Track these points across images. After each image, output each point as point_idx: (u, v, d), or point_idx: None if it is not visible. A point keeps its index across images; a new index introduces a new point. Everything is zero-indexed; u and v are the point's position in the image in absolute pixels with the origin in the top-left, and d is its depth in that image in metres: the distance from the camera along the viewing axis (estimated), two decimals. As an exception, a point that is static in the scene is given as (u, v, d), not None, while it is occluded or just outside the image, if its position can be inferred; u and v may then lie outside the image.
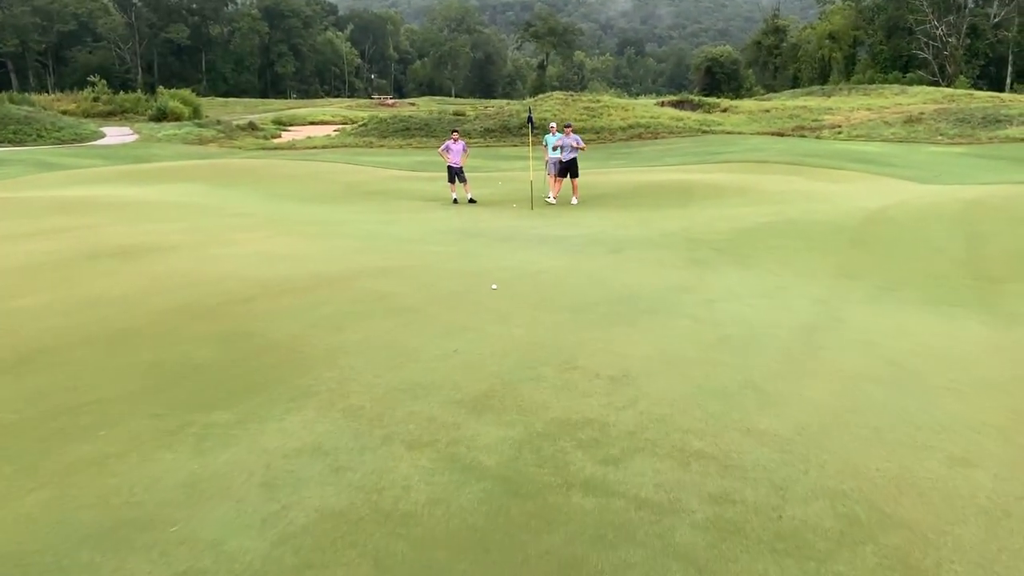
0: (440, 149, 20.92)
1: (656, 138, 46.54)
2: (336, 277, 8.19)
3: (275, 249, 10.16)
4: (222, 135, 54.97)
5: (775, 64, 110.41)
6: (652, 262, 10.05)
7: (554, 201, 19.44)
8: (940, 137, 44.17)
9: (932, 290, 8.12)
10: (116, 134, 57.21)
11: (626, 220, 15.63)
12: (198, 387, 4.84)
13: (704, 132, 48.37)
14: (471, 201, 20.03)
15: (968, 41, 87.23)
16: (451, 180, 20.35)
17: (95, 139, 54.81)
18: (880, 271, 9.13)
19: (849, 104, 60.59)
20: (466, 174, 20.62)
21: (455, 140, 20.56)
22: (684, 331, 6.31)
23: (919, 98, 61.39)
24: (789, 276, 8.96)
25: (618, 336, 6.12)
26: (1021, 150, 37.19)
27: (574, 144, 19.35)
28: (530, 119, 19.60)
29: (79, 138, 52.91)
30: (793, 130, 49.16)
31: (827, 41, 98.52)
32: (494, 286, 8.51)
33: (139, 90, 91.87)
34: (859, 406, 4.59)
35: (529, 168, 20.34)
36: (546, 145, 19.77)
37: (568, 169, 19.43)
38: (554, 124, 20.80)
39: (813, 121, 52.60)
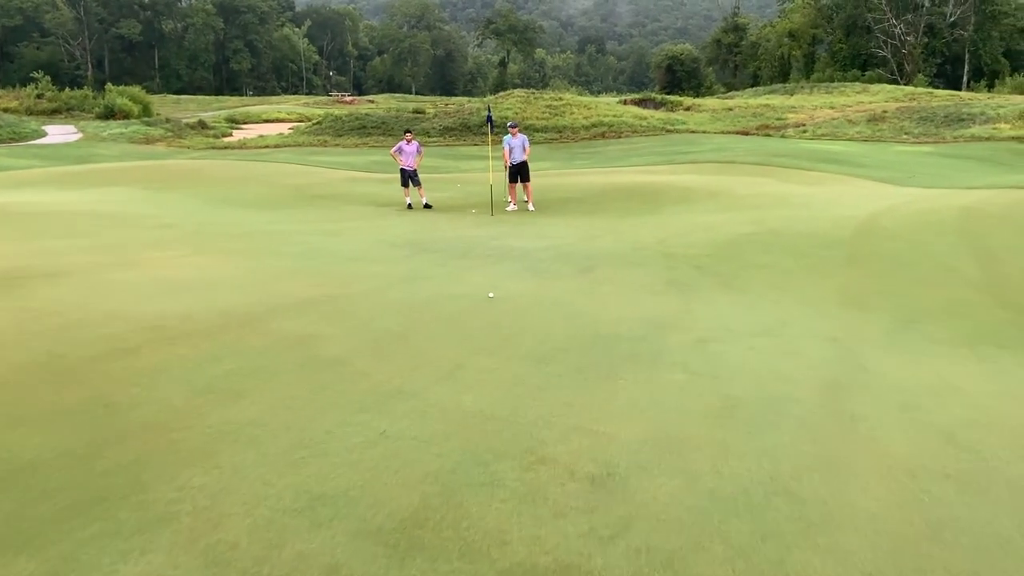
0: (392, 151, 19.43)
1: (620, 137, 45.42)
2: (250, 314, 6.73)
3: (187, 274, 8.66)
4: (170, 134, 52.73)
5: (735, 62, 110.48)
6: (628, 285, 8.74)
7: (514, 208, 18.08)
8: (905, 136, 43.72)
9: (960, 324, 6.92)
10: (59, 133, 54.68)
11: (595, 229, 14.34)
12: (6, 511, 3.40)
13: (668, 131, 47.39)
14: (426, 206, 18.61)
15: (926, 40, 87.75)
16: (404, 184, 18.92)
17: (36, 138, 52.25)
18: (891, 298, 7.91)
19: (812, 102, 60.22)
20: (421, 176, 19.18)
21: (408, 141, 19.10)
22: (677, 391, 4.99)
23: (881, 96, 61.25)
24: (788, 304, 7.71)
25: (596, 401, 4.78)
26: (986, 149, 36.83)
27: (523, 146, 17.96)
28: (489, 118, 18.20)
29: (18, 137, 50.31)
30: (757, 129, 48.43)
31: (787, 39, 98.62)
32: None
33: (89, 87, 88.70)
34: (936, 526, 3.30)
35: (489, 170, 18.97)
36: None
37: (519, 173, 18.03)
38: (515, 124, 19.42)
39: (777, 120, 51.99)
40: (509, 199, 18.14)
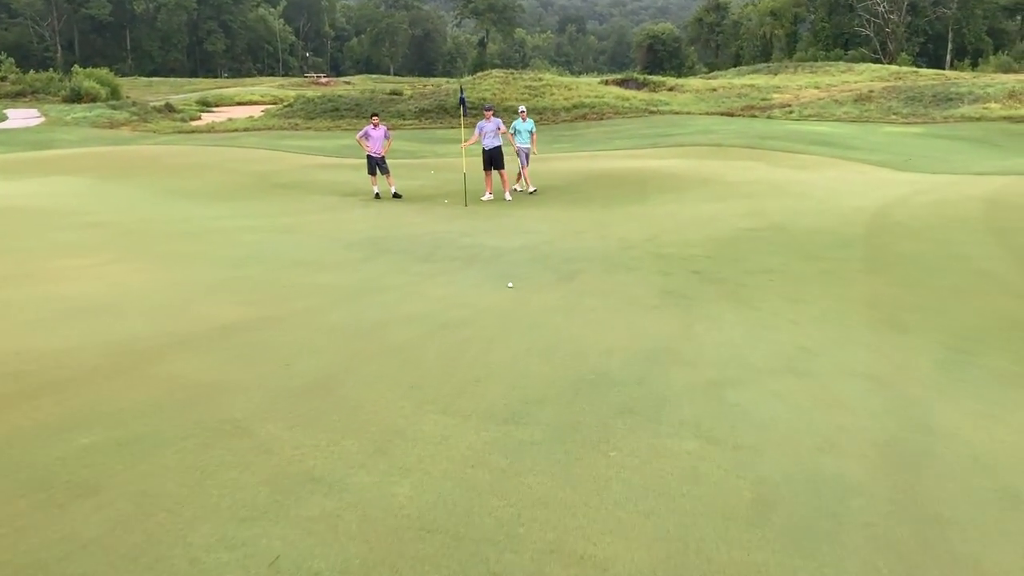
0: (358, 136, 17.95)
1: (602, 119, 44.01)
2: (146, 351, 5.36)
3: (92, 290, 7.27)
4: (136, 118, 50.71)
5: (717, 42, 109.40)
6: (617, 297, 7.43)
7: (490, 197, 16.71)
8: (894, 116, 42.65)
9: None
10: (20, 117, 52.60)
11: (577, 222, 13.02)
12: None
13: (651, 112, 46.02)
14: (395, 196, 17.21)
15: (908, 18, 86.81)
16: (371, 172, 17.48)
17: (-3, 122, 50.19)
18: (929, 315, 6.64)
19: (796, 82, 59.09)
20: (391, 163, 17.75)
21: (375, 126, 17.64)
22: (690, 474, 3.68)
23: (866, 76, 60.22)
24: (809, 325, 6.43)
25: (581, 495, 3.47)
26: (978, 130, 35.86)
27: (497, 129, 16.58)
28: (462, 100, 16.75)
29: (-26, 121, 48.26)
30: (742, 110, 47.18)
31: (768, 18, 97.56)
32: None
33: (57, 69, 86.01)
34: None
35: (463, 156, 17.57)
36: (514, 132, 17.15)
37: (493, 160, 16.64)
38: (523, 108, 18.20)
39: (762, 100, 50.77)
40: (505, 190, 16.84)
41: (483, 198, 16.64)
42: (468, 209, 15.31)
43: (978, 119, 39.63)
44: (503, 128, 16.71)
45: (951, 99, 45.14)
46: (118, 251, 9.60)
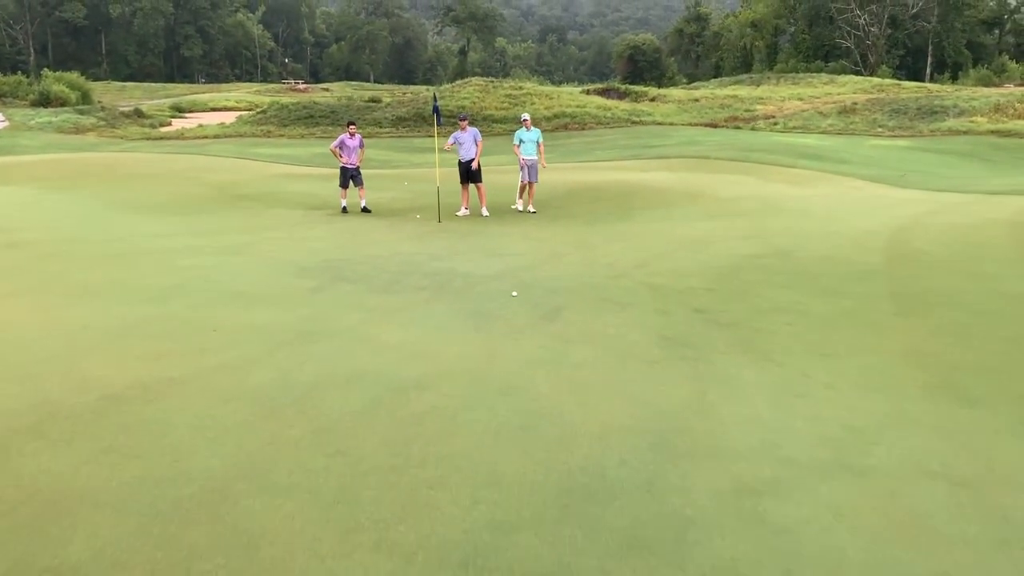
0: (332, 146, 16.46)
1: (584, 129, 42.93)
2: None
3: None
4: (103, 123, 49.02)
5: (697, 53, 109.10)
6: (609, 348, 6.17)
7: (466, 213, 15.45)
8: (880, 129, 41.93)
9: None
10: (-17, 121, 50.76)
11: (559, 243, 11.79)
12: None
13: (634, 122, 45.02)
14: (364, 210, 15.89)
15: (889, 31, 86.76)
16: (344, 184, 16.01)
17: (-44, 127, 48.40)
18: (1001, 379, 5.35)
19: (779, 94, 58.45)
20: (362, 175, 16.36)
21: (351, 135, 16.20)
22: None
23: (848, 88, 59.71)
24: (851, 392, 5.18)
25: None
26: (966, 144, 35.17)
27: (474, 140, 15.32)
28: (435, 108, 15.47)
29: (-67, 126, 46.40)
30: (726, 121, 46.32)
31: (749, 30, 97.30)
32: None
33: (29, 74, 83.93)
34: None
35: (436, 168, 16.30)
36: (519, 143, 15.66)
37: (470, 173, 15.37)
38: (527, 116, 16.44)
39: (746, 111, 49.98)
40: (481, 207, 15.56)
41: (458, 213, 15.38)
42: (441, 226, 14.04)
43: (965, 132, 38.97)
44: (480, 140, 15.46)
45: (936, 112, 44.53)
46: (23, 280, 8.22)
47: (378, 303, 7.78)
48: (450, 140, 15.34)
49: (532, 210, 15.32)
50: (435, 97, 16.43)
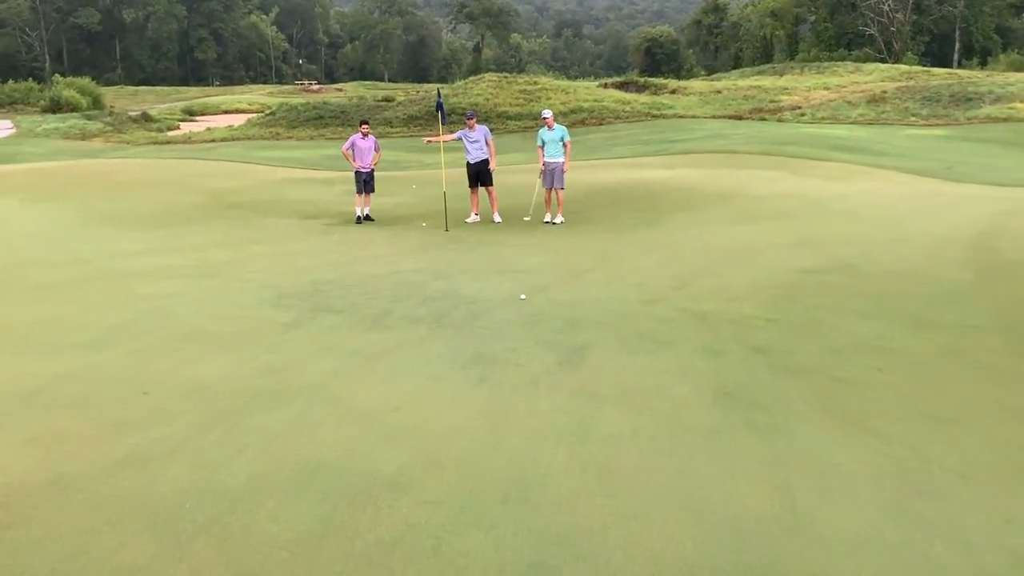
0: (344, 148, 14.93)
1: (602, 124, 41.36)
2: None
3: None
4: (110, 128, 48.00)
5: (716, 44, 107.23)
6: (650, 410, 4.71)
7: (476, 219, 14.03)
8: (913, 118, 40.07)
9: None
10: (-10, 128, 50.09)
11: (580, 255, 10.33)
12: None
13: (654, 116, 43.38)
14: (366, 218, 14.49)
15: (914, 17, 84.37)
16: (360, 190, 14.56)
17: (-37, 135, 47.71)
18: None
19: (804, 83, 56.57)
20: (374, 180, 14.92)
21: (364, 135, 14.71)
22: None
23: (875, 76, 57.69)
24: (993, 486, 3.70)
25: None
26: (1007, 132, 33.33)
27: (483, 140, 13.79)
28: (439, 106, 14.03)
29: (-60, 134, 45.66)
30: (751, 112, 44.59)
31: (769, 19, 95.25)
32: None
33: (43, 80, 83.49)
34: None
35: (442, 170, 14.88)
36: (541, 144, 13.82)
37: (479, 174, 13.92)
38: (548, 114, 14.14)
39: (770, 102, 48.21)
40: (494, 212, 14.07)
41: (468, 220, 13.96)
42: (448, 236, 12.62)
43: (1004, 119, 37.11)
44: (490, 139, 14.00)
45: (970, 99, 42.64)
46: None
47: (361, 343, 6.35)
48: (456, 134, 13.89)
49: (558, 221, 13.54)
50: (439, 93, 14.97)
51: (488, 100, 43.90)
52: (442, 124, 14.29)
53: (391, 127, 41.78)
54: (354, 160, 14.64)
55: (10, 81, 74.57)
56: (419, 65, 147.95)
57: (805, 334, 6.16)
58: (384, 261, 10.40)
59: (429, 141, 13.99)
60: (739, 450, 4.18)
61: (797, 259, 8.95)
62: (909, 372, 5.29)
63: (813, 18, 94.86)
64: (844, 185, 17.31)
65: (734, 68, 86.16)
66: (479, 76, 52.82)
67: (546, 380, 5.36)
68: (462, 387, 5.22)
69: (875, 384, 5.07)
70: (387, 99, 59.02)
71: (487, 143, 13.78)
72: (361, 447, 4.23)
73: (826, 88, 53.04)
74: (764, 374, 5.31)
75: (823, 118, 41.08)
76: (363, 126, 15.01)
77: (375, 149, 14.82)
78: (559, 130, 13.65)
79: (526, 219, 13.70)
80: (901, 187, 16.60)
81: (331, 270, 9.74)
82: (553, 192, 13.66)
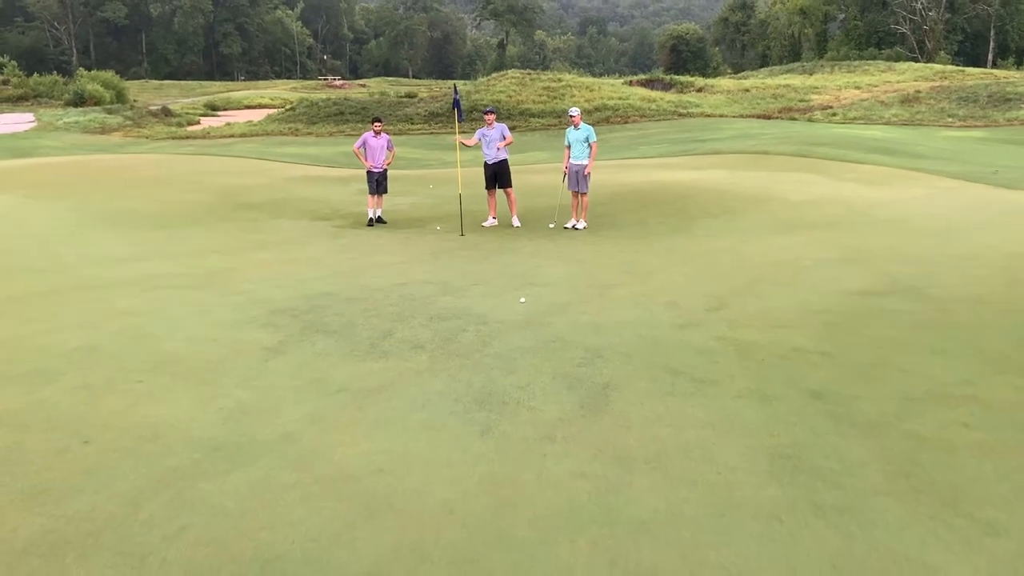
0: (355, 147, 14.06)
1: (626, 122, 40.35)
2: None
3: None
4: (129, 123, 47.61)
5: (743, 42, 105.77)
6: (692, 479, 3.83)
7: (494, 223, 13.19)
8: (949, 119, 38.71)
9: None
10: (11, 121, 49.97)
11: (604, 266, 9.44)
12: None
13: (681, 115, 42.30)
14: (379, 220, 13.68)
15: (947, 15, 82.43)
16: (372, 191, 13.75)
17: (-16, 127, 47.54)
18: None
19: (834, 82, 55.24)
20: (387, 180, 14.11)
21: (376, 133, 13.87)
22: None
23: (908, 75, 56.19)
24: None
25: None
26: (1051, 134, 31.88)
27: (502, 138, 12.93)
28: (456, 103, 13.18)
29: (-35, 125, 45.54)
30: (780, 112, 43.42)
31: (797, 17, 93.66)
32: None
33: (71, 74, 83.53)
34: None
35: (457, 170, 14.04)
36: (568, 144, 12.85)
37: (497, 175, 13.06)
38: (575, 112, 12.93)
39: (800, 101, 47.02)
40: (514, 217, 13.21)
41: (485, 224, 13.12)
42: (463, 241, 11.78)
43: (1049, 122, 35.74)
44: (509, 136, 13.14)
45: (1009, 100, 41.27)
46: None
47: (351, 376, 5.50)
48: (476, 135, 13.04)
49: (580, 226, 12.66)
50: (455, 89, 14.08)
51: (511, 97, 43.04)
52: (458, 122, 13.43)
53: (412, 124, 41.02)
54: (366, 160, 13.84)
55: (35, 74, 74.53)
56: (443, 61, 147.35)
57: (869, 376, 5.22)
58: (392, 270, 9.57)
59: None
60: (805, 543, 3.28)
61: (847, 278, 8.00)
62: (1004, 430, 4.35)
63: (843, 16, 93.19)
64: (887, 191, 16.26)
65: (761, 66, 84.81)
66: (502, 72, 51.93)
67: (564, 431, 4.48)
68: (462, 441, 4.35)
69: (964, 446, 4.14)
70: (409, 95, 58.34)
71: (504, 138, 12.96)
72: (332, 530, 3.37)
73: (857, 87, 51.70)
74: (827, 430, 4.39)
75: (855, 118, 39.84)
76: (375, 124, 14.16)
77: (388, 148, 14.01)
78: (585, 129, 12.68)
79: (551, 226, 12.80)
80: (949, 193, 15.53)
81: (333, 281, 8.92)
82: (576, 196, 12.78)
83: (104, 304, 7.63)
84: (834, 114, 41.26)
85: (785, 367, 5.44)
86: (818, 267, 8.65)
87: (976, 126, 36.67)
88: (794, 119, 40.62)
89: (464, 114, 15.59)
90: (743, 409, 4.75)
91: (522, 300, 7.71)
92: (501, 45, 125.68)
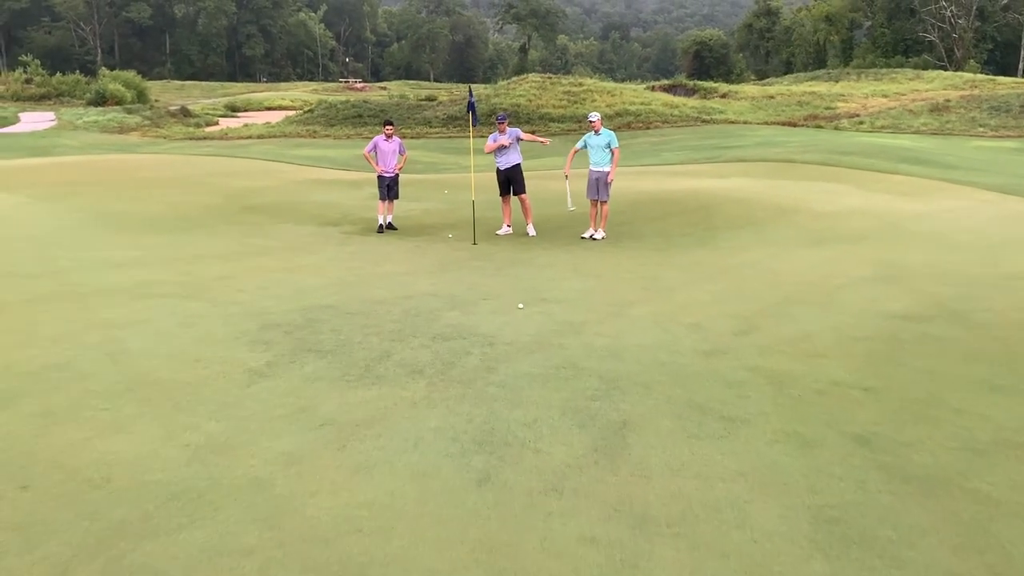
0: (366, 151, 13.51)
1: (648, 128, 39.68)
2: None
3: None
4: (148, 123, 47.50)
5: (767, 48, 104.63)
6: (725, 551, 3.25)
7: (508, 231, 12.62)
8: (981, 129, 37.73)
9: None
10: (33, 120, 50.14)
11: (623, 281, 8.84)
12: None
13: (704, 121, 41.59)
14: (389, 226, 13.16)
15: (977, 23, 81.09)
16: (383, 196, 13.24)
17: (6, 125, 47.69)
18: None
19: (861, 90, 54.27)
20: (399, 184, 13.60)
21: (387, 137, 13.33)
22: None
23: (937, 84, 55.10)
24: None
25: None
26: (1087, 145, 30.91)
27: (517, 141, 12.42)
28: (471, 106, 12.63)
29: (-12, 124, 45.68)
30: (806, 119, 42.55)
31: (823, 24, 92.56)
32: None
33: (95, 73, 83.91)
34: None
35: (471, 174, 13.50)
36: (587, 148, 12.18)
37: (510, 181, 12.51)
38: (596, 117, 12.19)
39: (826, 109, 46.12)
40: (528, 224, 12.67)
41: (499, 232, 12.56)
42: (476, 250, 11.22)
43: (1087, 133, 34.73)
44: (523, 136, 12.62)
45: (1042, 109, 40.21)
46: None
47: (339, 406, 4.95)
48: (489, 139, 12.51)
49: (598, 236, 12.05)
50: (470, 92, 13.53)
51: (531, 101, 42.50)
52: (472, 126, 12.88)
53: (430, 127, 40.58)
54: (377, 164, 13.32)
55: (58, 74, 74.88)
56: (465, 65, 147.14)
57: (921, 417, 4.60)
58: (397, 282, 9.03)
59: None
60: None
61: (885, 299, 7.37)
62: (1091, 493, 3.73)
63: (869, 23, 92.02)
64: (921, 202, 15.55)
65: (786, 73, 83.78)
66: (522, 76, 51.42)
67: (573, 482, 3.89)
68: (456, 493, 3.77)
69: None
70: (429, 98, 57.91)
71: (520, 139, 12.44)
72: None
73: (884, 95, 50.75)
74: (877, 487, 3.78)
75: (883, 127, 38.96)
76: (387, 127, 13.62)
77: (400, 152, 13.49)
78: (606, 135, 12.07)
79: (571, 208, 12.38)
80: (987, 206, 14.80)
81: (334, 292, 8.38)
82: (595, 204, 12.21)
83: (87, 314, 7.13)
84: (861, 122, 40.38)
85: (824, 405, 4.83)
86: (853, 286, 8.02)
87: (1009, 136, 35.70)
88: (820, 127, 39.79)
89: (479, 118, 15.03)
90: (779, 457, 4.14)
91: (520, 306, 7.58)
92: (523, 49, 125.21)
